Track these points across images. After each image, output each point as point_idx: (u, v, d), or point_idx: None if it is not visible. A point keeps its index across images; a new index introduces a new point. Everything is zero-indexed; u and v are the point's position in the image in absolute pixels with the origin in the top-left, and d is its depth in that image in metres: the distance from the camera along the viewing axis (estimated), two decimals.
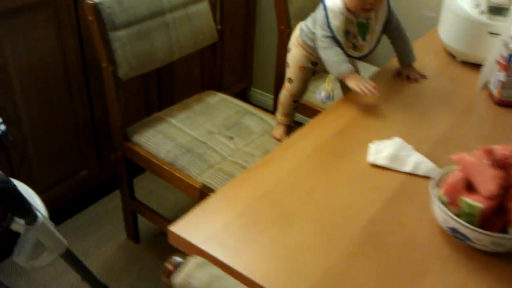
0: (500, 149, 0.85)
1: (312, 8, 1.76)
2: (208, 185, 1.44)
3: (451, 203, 0.87)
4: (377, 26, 1.36)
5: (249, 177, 1.04)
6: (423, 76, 1.43)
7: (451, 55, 1.58)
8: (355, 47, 1.35)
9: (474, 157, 0.86)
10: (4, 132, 0.97)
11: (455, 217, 0.85)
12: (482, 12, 1.43)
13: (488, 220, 0.84)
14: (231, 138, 1.62)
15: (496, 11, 1.43)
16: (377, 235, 0.91)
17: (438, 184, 0.92)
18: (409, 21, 1.89)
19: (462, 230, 0.84)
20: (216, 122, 1.68)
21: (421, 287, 0.81)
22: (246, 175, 1.06)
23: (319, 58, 1.39)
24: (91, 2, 1.41)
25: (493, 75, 1.35)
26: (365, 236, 0.90)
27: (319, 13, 1.35)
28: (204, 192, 1.43)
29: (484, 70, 1.40)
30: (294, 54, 1.49)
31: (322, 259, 0.85)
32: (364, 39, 1.35)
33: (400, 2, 2.04)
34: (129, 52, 1.50)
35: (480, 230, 0.83)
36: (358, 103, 1.30)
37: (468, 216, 0.84)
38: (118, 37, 1.47)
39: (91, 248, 1.84)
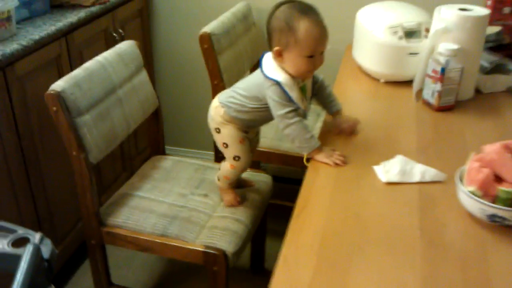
0: None
1: (236, 61, 1.89)
2: (211, 244, 1.47)
3: (484, 195, 1.05)
4: (309, 82, 1.40)
5: (296, 229, 1.10)
6: (356, 121, 1.45)
7: (373, 78, 1.81)
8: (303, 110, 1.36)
9: (495, 154, 1.05)
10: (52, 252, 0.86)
11: (495, 205, 1.02)
12: (400, 38, 1.69)
13: None
14: (205, 195, 1.66)
15: (411, 34, 1.70)
16: (431, 238, 1.05)
17: (461, 181, 1.10)
18: None
19: (501, 213, 1.02)
20: (182, 184, 1.70)
21: (487, 268, 0.97)
22: (293, 228, 1.11)
23: (248, 126, 1.46)
24: (53, 92, 1.36)
25: (426, 88, 1.60)
26: (424, 242, 1.03)
27: (270, 91, 1.31)
28: (208, 253, 1.45)
29: (415, 85, 1.65)
30: (228, 133, 1.46)
31: (408, 272, 0.96)
32: (306, 99, 1.38)
33: None
34: (96, 135, 1.47)
35: None
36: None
37: (505, 201, 1.02)
38: (84, 122, 1.44)
39: None
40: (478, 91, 1.72)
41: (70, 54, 1.81)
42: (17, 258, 0.77)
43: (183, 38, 2.41)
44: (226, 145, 1.48)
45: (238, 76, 1.99)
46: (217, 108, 1.46)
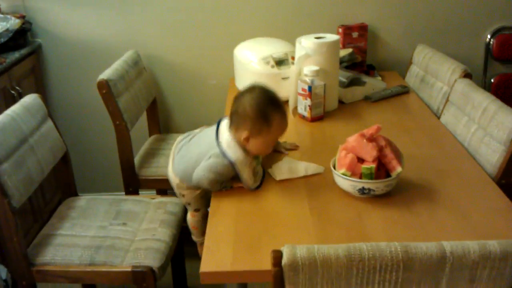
0: (367, 131, 1.38)
1: (133, 102, 2.11)
2: (138, 264, 1.64)
3: (352, 174, 1.36)
4: None
5: (213, 225, 1.33)
6: (294, 144, 1.69)
7: None
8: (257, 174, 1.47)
9: (354, 141, 1.37)
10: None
11: (360, 180, 1.34)
12: (272, 66, 2.01)
13: (378, 174, 1.35)
14: (124, 224, 1.83)
15: (280, 63, 2.03)
16: (320, 215, 1.33)
17: (334, 168, 1.41)
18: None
19: (368, 186, 1.34)
20: (100, 217, 1.86)
21: (364, 227, 1.27)
22: (211, 224, 1.33)
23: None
24: None
25: (299, 104, 1.93)
26: (315, 218, 1.31)
27: (219, 164, 1.41)
28: (137, 272, 1.62)
29: (290, 103, 1.98)
30: (191, 195, 1.60)
31: (306, 239, 1.23)
32: (259, 162, 1.50)
33: (188, 79, 2.54)
34: (15, 180, 1.59)
35: (378, 180, 1.33)
36: None
37: (368, 176, 1.34)
38: (4, 170, 1.56)
39: None
40: (341, 102, 2.08)
41: None
42: None
43: (80, 87, 2.57)
44: (189, 204, 1.64)
45: (138, 114, 2.21)
46: (175, 179, 1.58)
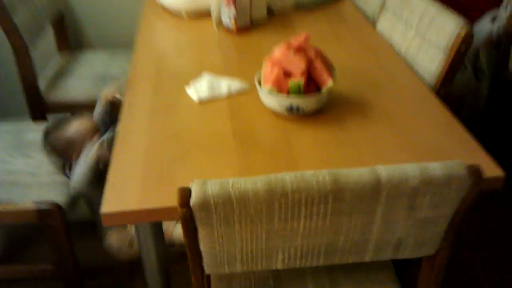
0: (294, 41, 1.20)
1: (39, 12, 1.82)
2: (43, 199, 1.44)
3: (279, 91, 1.19)
4: None
5: (119, 156, 1.14)
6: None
7: (177, 16, 1.87)
8: None
9: (280, 53, 1.19)
10: None
11: (289, 96, 1.17)
12: None
13: (307, 90, 1.19)
14: (27, 156, 1.61)
15: None
16: (243, 139, 1.17)
17: (260, 84, 1.23)
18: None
19: (296, 103, 1.18)
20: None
21: (292, 151, 1.12)
22: (116, 156, 1.14)
23: None
24: None
25: (224, 15, 1.71)
26: (238, 143, 1.15)
27: None
28: (41, 209, 1.43)
29: (213, 14, 1.75)
30: None
31: (228, 168, 1.08)
32: None
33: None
34: None
35: (308, 96, 1.18)
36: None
37: (296, 92, 1.17)
38: None
39: None
40: (270, 11, 1.87)
41: None
42: None
43: None
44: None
45: (39, 31, 1.92)
46: None
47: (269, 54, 1.26)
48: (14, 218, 1.45)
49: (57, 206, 1.44)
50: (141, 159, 1.11)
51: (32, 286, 1.73)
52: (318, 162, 1.08)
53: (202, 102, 1.31)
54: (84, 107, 1.88)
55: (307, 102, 1.18)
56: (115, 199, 1.00)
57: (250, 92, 1.35)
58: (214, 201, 0.76)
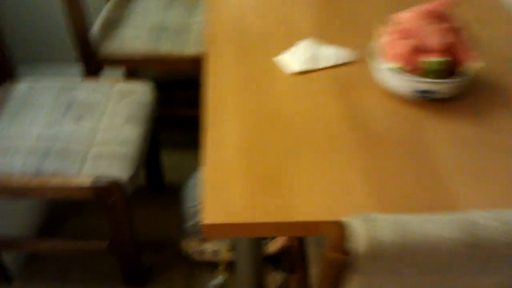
0: (432, 6, 0.93)
1: None
2: (99, 176, 1.24)
3: (411, 70, 0.94)
4: None
5: (212, 147, 0.92)
6: None
7: None
8: None
9: (410, 21, 0.93)
10: None
11: (429, 80, 0.92)
12: None
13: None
14: (79, 118, 1.39)
15: None
16: (361, 128, 0.93)
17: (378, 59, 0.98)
18: None
19: (435, 87, 0.93)
20: (47, 109, 1.41)
21: (429, 150, 0.88)
22: (209, 146, 0.92)
23: None
24: None
25: None
26: (356, 134, 0.91)
27: None
28: (99, 186, 1.23)
29: None
30: None
31: (351, 168, 0.84)
32: None
33: None
34: None
35: (451, 79, 0.92)
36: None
37: (435, 73, 0.92)
38: None
39: None
40: None
41: None
42: None
43: None
44: None
45: None
46: None
47: (380, 17, 0.99)
48: (67, 194, 1.25)
49: (117, 184, 1.24)
50: (241, 151, 0.88)
51: (85, 261, 1.56)
52: (468, 175, 0.84)
53: (299, 74, 1.06)
54: (140, 62, 1.64)
55: (448, 87, 0.93)
56: (218, 202, 0.78)
57: (357, 65, 1.09)
58: (388, 249, 0.54)
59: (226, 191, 0.80)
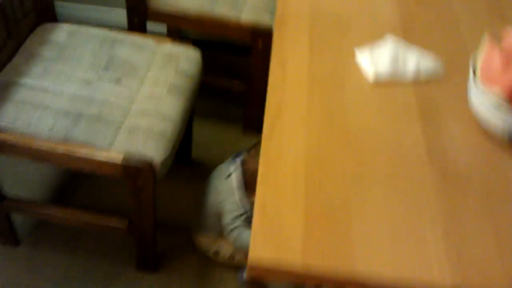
0: None
1: None
2: (132, 152, 1.12)
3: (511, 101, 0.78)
4: None
5: (270, 158, 0.79)
6: None
7: None
8: None
9: None
10: None
11: None
12: None
13: None
14: (117, 81, 1.26)
15: None
16: (442, 164, 0.79)
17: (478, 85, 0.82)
18: None
19: None
20: (85, 65, 1.29)
21: None
22: (265, 157, 0.80)
23: None
24: None
25: None
26: (435, 171, 0.77)
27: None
28: (130, 165, 1.12)
29: None
30: None
31: (424, 218, 0.71)
32: None
33: None
34: None
35: None
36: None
37: None
38: None
39: None
40: None
41: None
42: None
43: None
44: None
45: None
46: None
47: (489, 31, 0.83)
48: (94, 167, 1.15)
49: (150, 165, 1.13)
50: (298, 171, 0.75)
51: (97, 235, 1.47)
52: None
53: (379, 83, 0.91)
54: (191, 22, 1.50)
55: None
56: (269, 231, 0.66)
57: (445, 80, 0.93)
58: None
59: (279, 221, 0.68)
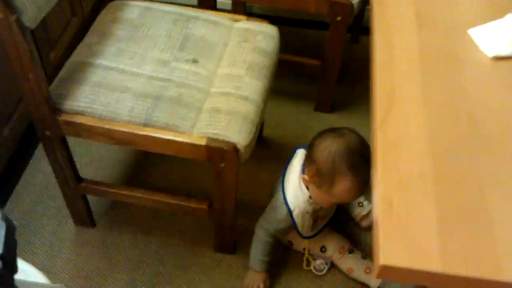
0: None
1: None
2: (215, 135, 1.07)
3: None
4: None
5: (387, 147, 0.72)
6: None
7: None
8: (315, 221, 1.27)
9: None
10: None
11: None
12: None
13: None
14: (194, 61, 1.21)
15: None
16: None
17: None
18: None
19: None
20: (160, 45, 1.23)
21: None
22: (382, 146, 0.73)
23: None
24: None
25: None
26: None
27: (278, 210, 1.22)
28: (213, 148, 1.06)
29: None
30: (292, 236, 1.35)
31: None
32: (319, 219, 1.29)
33: None
34: None
35: None
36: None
37: None
38: None
39: (40, 253, 1.37)
40: None
41: None
42: None
43: None
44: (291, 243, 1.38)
45: None
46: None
47: None
48: (176, 150, 1.10)
49: (234, 149, 1.07)
50: (423, 164, 0.68)
51: (174, 217, 1.44)
52: None
53: (501, 59, 0.82)
54: None
55: None
56: (399, 232, 0.60)
57: None
58: None
59: (407, 220, 0.61)
